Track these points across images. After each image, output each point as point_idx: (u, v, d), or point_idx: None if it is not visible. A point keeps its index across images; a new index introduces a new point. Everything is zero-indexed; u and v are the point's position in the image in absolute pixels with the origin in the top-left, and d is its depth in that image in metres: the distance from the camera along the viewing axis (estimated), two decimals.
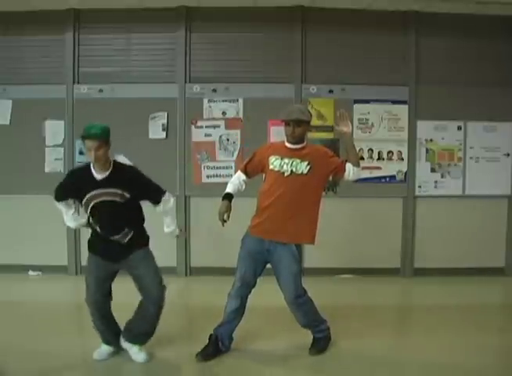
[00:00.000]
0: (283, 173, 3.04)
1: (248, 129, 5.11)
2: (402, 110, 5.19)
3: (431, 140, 5.22)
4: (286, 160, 3.06)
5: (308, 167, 3.03)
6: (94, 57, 5.15)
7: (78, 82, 5.15)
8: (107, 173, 2.93)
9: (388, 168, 5.21)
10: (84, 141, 2.88)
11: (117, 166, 2.99)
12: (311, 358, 3.19)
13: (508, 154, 5.26)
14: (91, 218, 2.99)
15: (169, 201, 3.11)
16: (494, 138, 5.23)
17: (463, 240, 5.23)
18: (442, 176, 5.24)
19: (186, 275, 5.23)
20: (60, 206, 3.12)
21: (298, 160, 3.04)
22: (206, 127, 5.15)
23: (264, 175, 3.20)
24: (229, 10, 5.05)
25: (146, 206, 3.11)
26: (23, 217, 5.13)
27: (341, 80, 5.14)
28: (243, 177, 3.23)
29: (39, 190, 4.91)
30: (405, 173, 5.21)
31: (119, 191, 2.91)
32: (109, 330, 3.11)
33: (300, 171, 3.03)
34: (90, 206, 2.92)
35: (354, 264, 5.18)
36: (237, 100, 5.15)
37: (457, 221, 5.24)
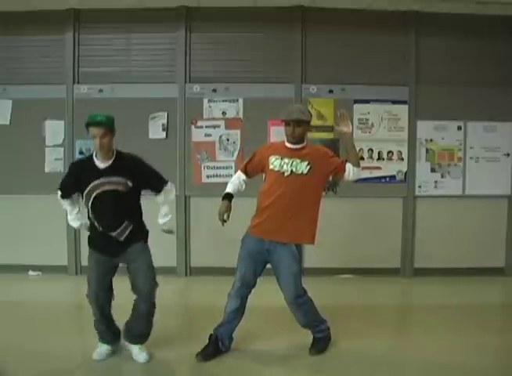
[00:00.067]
0: (283, 173, 3.04)
1: (248, 129, 5.11)
2: (402, 110, 5.18)
3: (431, 140, 5.22)
4: (286, 160, 3.06)
5: (308, 167, 3.03)
6: (94, 57, 5.15)
7: (78, 82, 5.15)
8: (110, 162, 2.94)
9: (388, 168, 5.21)
10: (89, 129, 2.89)
11: (120, 155, 3.00)
12: (311, 358, 3.19)
13: (508, 154, 5.26)
14: (91, 213, 2.98)
15: (171, 191, 3.15)
16: (494, 138, 5.23)
17: (463, 240, 5.23)
18: (442, 176, 5.24)
19: (186, 275, 5.23)
20: (65, 205, 3.14)
21: (298, 160, 3.04)
22: (206, 127, 5.15)
23: (264, 175, 3.21)
24: (229, 10, 5.05)
25: (146, 206, 3.12)
26: (23, 217, 5.13)
27: (341, 80, 5.14)
28: (243, 177, 3.23)
29: (39, 190, 4.93)
30: (405, 173, 5.21)
31: (122, 180, 2.92)
32: (109, 330, 3.12)
33: (300, 171, 3.03)
34: (92, 197, 2.92)
35: (354, 264, 5.18)
36: (237, 100, 5.15)
37: (457, 221, 5.24)
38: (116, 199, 2.91)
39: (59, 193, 3.11)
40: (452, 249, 5.21)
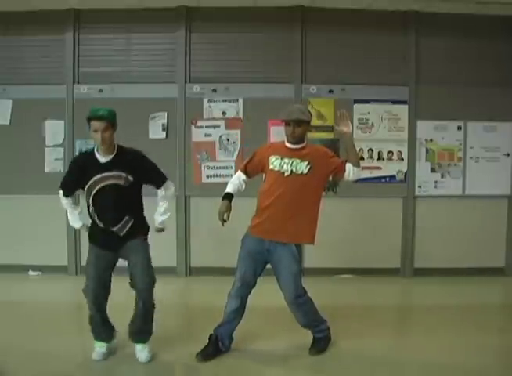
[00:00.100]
0: (283, 173, 3.04)
1: (248, 129, 5.11)
2: (402, 110, 5.18)
3: (431, 140, 5.22)
4: (286, 160, 3.06)
5: (308, 167, 3.03)
6: (94, 57, 5.15)
7: (78, 82, 5.15)
8: (111, 156, 2.94)
9: (388, 168, 5.21)
10: (91, 123, 2.89)
11: (122, 149, 3.00)
12: (311, 358, 3.19)
13: (508, 154, 5.26)
14: (91, 208, 2.97)
15: (171, 188, 3.15)
16: (494, 138, 5.23)
17: (463, 240, 5.23)
18: (442, 176, 5.24)
19: (186, 275, 5.23)
20: (67, 205, 3.14)
21: (298, 160, 3.04)
22: (206, 127, 5.15)
23: (264, 175, 3.21)
24: (229, 10, 5.05)
25: (146, 206, 3.12)
26: (23, 217, 5.13)
27: (341, 80, 5.14)
28: (243, 177, 3.23)
29: (39, 190, 4.93)
30: (405, 173, 5.21)
31: (123, 174, 2.92)
32: (104, 325, 3.11)
33: (300, 171, 3.03)
34: (93, 192, 2.92)
35: (354, 264, 5.18)
36: (237, 100, 5.15)
37: (457, 221, 5.24)
38: (117, 193, 2.91)
39: (61, 192, 3.10)
40: (452, 249, 5.21)
